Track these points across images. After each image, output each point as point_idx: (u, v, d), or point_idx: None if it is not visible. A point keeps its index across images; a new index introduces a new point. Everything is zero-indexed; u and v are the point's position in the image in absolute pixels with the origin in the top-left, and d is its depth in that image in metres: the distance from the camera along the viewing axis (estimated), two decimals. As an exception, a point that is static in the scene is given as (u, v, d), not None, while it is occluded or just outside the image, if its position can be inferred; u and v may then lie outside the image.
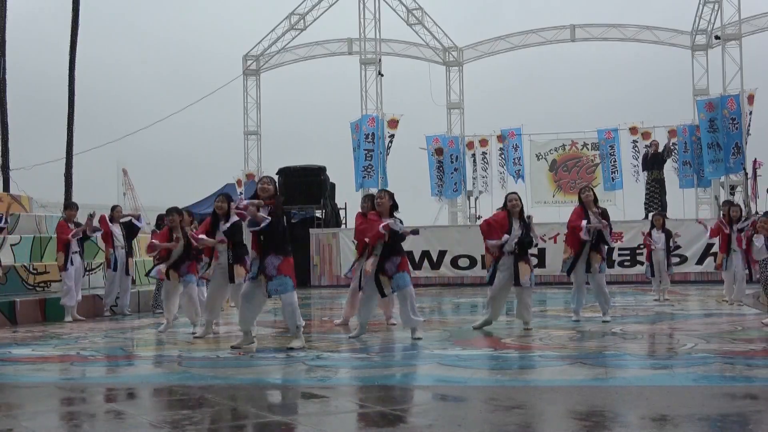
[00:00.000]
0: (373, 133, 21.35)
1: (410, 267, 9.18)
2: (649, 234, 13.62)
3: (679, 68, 28.20)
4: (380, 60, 23.70)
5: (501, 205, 9.88)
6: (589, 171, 24.21)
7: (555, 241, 18.30)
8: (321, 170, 22.88)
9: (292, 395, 5.77)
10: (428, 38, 27.87)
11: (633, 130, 22.66)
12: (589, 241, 10.09)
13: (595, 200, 10.35)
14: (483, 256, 14.41)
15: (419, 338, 8.57)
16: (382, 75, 23.43)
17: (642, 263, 16.71)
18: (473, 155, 24.46)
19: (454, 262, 19.42)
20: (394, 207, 8.75)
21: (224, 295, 9.75)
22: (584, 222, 10.03)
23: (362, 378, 6.49)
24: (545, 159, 24.55)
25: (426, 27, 27.67)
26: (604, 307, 10.29)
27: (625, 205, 22.86)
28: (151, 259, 11.21)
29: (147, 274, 12.67)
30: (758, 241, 10.44)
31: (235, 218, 8.63)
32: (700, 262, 18.35)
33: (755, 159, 20.28)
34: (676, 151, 21.81)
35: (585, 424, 4.57)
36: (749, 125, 20.30)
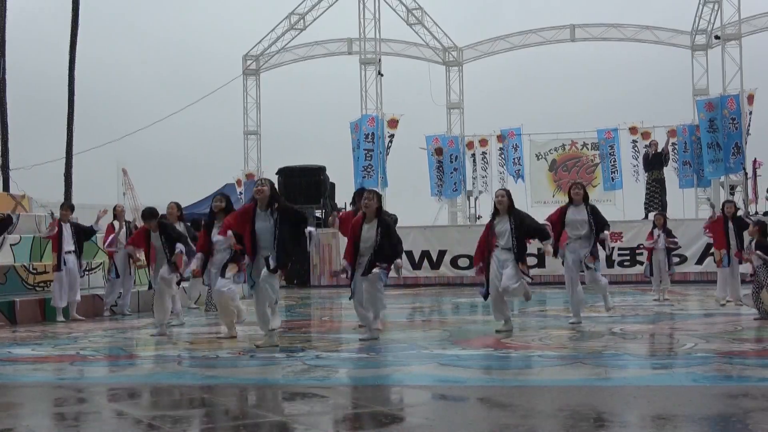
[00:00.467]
0: (372, 133, 21.34)
1: (395, 274, 8.84)
2: (651, 234, 13.61)
3: (678, 68, 28.17)
4: (380, 60, 23.68)
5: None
6: (589, 171, 24.19)
7: (555, 241, 18.25)
8: (321, 170, 22.90)
9: (292, 395, 5.78)
10: (428, 38, 27.86)
11: (633, 130, 22.62)
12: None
13: (586, 197, 9.94)
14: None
15: (366, 339, 8.40)
16: (382, 75, 23.41)
17: (642, 263, 16.69)
18: (473, 155, 24.42)
19: (453, 262, 19.40)
20: (380, 210, 8.66)
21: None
22: (549, 245, 9.37)
23: (361, 378, 6.50)
24: (545, 159, 24.53)
25: (426, 27, 27.65)
26: (606, 299, 10.12)
27: (624, 205, 22.87)
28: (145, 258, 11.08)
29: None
30: (756, 260, 10.41)
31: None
32: (699, 262, 18.33)
33: (755, 159, 20.31)
34: (675, 150, 21.80)
35: (585, 424, 4.57)
36: (749, 125, 20.28)
